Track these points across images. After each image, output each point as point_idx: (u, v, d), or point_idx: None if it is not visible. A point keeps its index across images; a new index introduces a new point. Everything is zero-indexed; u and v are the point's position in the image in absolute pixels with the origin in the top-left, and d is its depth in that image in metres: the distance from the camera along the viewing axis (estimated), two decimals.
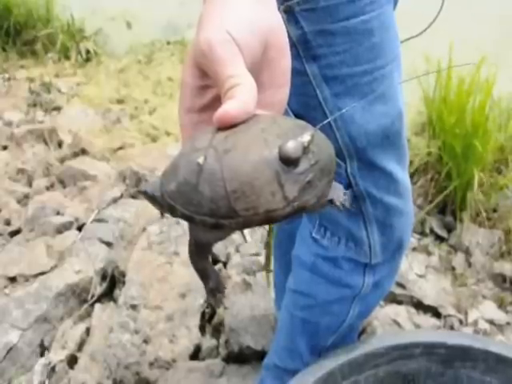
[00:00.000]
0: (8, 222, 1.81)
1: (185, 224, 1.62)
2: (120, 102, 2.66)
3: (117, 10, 3.32)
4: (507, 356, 0.96)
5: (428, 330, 1.37)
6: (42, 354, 1.36)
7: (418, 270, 1.58)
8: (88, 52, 3.06)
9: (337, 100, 0.77)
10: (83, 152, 2.18)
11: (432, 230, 1.75)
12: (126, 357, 1.32)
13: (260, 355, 1.29)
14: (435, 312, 1.48)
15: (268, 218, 0.42)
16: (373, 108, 0.79)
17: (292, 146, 0.42)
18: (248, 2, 0.48)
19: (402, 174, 0.87)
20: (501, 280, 1.59)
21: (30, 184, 2.02)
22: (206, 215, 0.43)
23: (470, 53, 1.66)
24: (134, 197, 1.89)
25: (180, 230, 1.67)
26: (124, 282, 1.52)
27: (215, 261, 1.59)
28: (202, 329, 1.43)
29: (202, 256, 0.55)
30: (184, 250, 1.59)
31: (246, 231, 1.70)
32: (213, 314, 1.46)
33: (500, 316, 1.47)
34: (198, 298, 1.46)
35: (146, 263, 1.56)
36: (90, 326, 1.42)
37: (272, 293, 1.39)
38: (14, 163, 2.11)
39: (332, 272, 0.94)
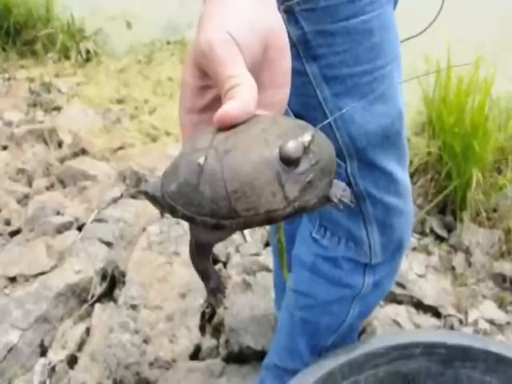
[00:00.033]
0: (8, 222, 1.81)
1: (185, 224, 1.62)
2: (120, 102, 2.66)
3: (117, 9, 3.32)
4: (507, 356, 0.96)
5: (428, 330, 1.37)
6: (41, 354, 1.36)
7: (418, 270, 1.58)
8: (88, 52, 3.06)
9: (337, 100, 0.77)
10: (83, 152, 2.18)
11: (432, 230, 1.75)
12: (126, 357, 1.32)
13: (260, 355, 1.29)
14: (435, 312, 1.48)
15: (269, 218, 0.42)
16: (373, 108, 0.79)
17: (292, 146, 0.42)
18: (248, 2, 0.48)
19: (402, 174, 0.88)
20: (501, 280, 1.59)
21: (30, 184, 2.02)
22: (207, 216, 0.43)
23: (469, 53, 1.66)
24: (134, 197, 1.89)
25: (180, 230, 1.67)
26: (124, 282, 1.52)
27: (215, 261, 1.59)
28: (202, 329, 1.43)
29: (202, 256, 0.55)
30: (184, 250, 1.59)
31: (246, 231, 1.70)
32: (213, 314, 1.46)
33: (500, 316, 1.47)
34: (198, 297, 1.46)
35: (145, 263, 1.56)
36: (90, 325, 1.42)
37: (272, 294, 1.39)
38: (14, 163, 2.11)
39: (332, 272, 0.94)
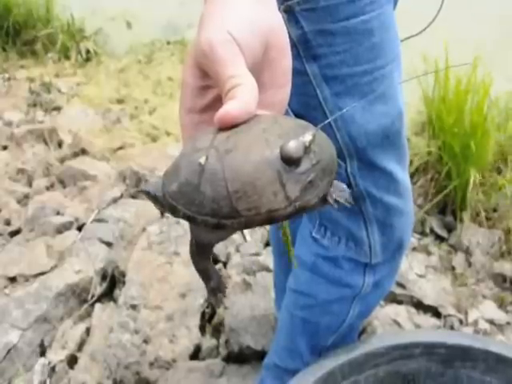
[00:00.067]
0: (8, 222, 1.81)
1: (185, 224, 1.62)
2: (120, 101, 2.66)
3: (117, 10, 3.32)
4: (507, 356, 0.96)
5: (428, 330, 1.37)
6: (41, 354, 1.36)
7: (418, 270, 1.58)
8: (88, 52, 3.06)
9: (337, 100, 0.77)
10: (83, 152, 2.18)
11: (432, 230, 1.75)
12: (126, 357, 1.32)
13: (260, 355, 1.29)
14: (435, 312, 1.48)
15: (270, 218, 0.42)
16: (373, 108, 0.79)
17: (293, 146, 0.42)
18: (248, 2, 0.48)
19: (402, 174, 0.88)
20: (501, 280, 1.59)
21: (30, 184, 2.02)
22: (208, 215, 0.43)
23: (469, 53, 1.66)
24: (134, 197, 1.89)
25: (180, 230, 1.67)
26: (124, 282, 1.52)
27: (215, 261, 1.59)
28: (202, 329, 1.43)
29: (203, 256, 0.55)
30: (184, 250, 1.59)
31: (246, 231, 1.70)
32: (213, 313, 1.46)
33: (500, 316, 1.47)
34: (198, 297, 1.46)
35: (145, 263, 1.56)
36: (90, 326, 1.42)
37: (272, 294, 1.39)
38: (14, 163, 2.11)
39: (332, 272, 0.94)
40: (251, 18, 0.48)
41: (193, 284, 1.48)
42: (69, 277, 1.49)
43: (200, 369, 1.30)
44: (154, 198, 0.47)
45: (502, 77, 1.84)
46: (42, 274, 1.53)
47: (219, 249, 1.63)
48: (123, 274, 1.55)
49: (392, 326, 1.42)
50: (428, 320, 1.46)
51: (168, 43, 3.18)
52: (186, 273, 1.52)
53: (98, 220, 1.74)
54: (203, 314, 1.45)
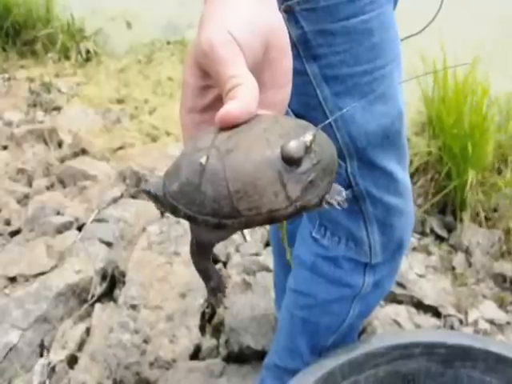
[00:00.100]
0: (8, 222, 1.81)
1: (185, 224, 1.62)
2: (120, 101, 2.66)
3: (117, 10, 3.32)
4: (507, 356, 0.96)
5: (428, 330, 1.37)
6: (41, 354, 1.36)
7: (418, 270, 1.58)
8: (88, 52, 3.06)
9: (337, 100, 0.77)
10: (83, 152, 2.18)
11: (432, 230, 1.75)
12: (126, 357, 1.32)
13: (260, 355, 1.29)
14: (435, 312, 1.48)
15: (271, 218, 0.42)
16: (373, 108, 0.79)
17: (294, 146, 0.42)
18: (249, 2, 0.48)
19: (402, 174, 0.88)
20: (501, 280, 1.59)
21: (30, 184, 2.02)
22: (209, 215, 0.43)
23: (469, 53, 1.66)
24: (134, 197, 1.89)
25: (180, 230, 1.67)
26: (124, 282, 1.52)
27: (215, 261, 1.59)
28: (202, 329, 1.43)
29: (203, 256, 0.55)
30: (184, 250, 1.59)
31: (246, 231, 1.70)
32: (213, 313, 1.46)
33: (500, 316, 1.47)
34: (198, 297, 1.46)
35: (146, 263, 1.56)
36: (90, 325, 1.42)
37: (272, 293, 1.39)
38: (14, 163, 2.11)
39: (332, 272, 0.94)
40: (251, 17, 0.48)
41: (193, 284, 1.48)
42: (69, 277, 1.49)
43: (200, 369, 1.30)
44: (154, 198, 0.47)
45: (501, 77, 1.84)
46: (42, 274, 1.53)
47: (219, 249, 1.63)
48: (123, 274, 1.55)
49: (392, 325, 1.42)
50: (428, 320, 1.46)
51: (168, 43, 3.18)
52: (186, 273, 1.52)
53: (98, 220, 1.74)
54: (203, 314, 1.45)
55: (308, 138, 0.43)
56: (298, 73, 0.65)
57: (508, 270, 1.59)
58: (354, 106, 0.77)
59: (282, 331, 1.08)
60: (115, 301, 1.50)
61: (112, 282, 1.56)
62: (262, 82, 0.48)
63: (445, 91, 1.79)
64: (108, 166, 2.09)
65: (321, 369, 0.94)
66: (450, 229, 1.75)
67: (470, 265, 1.63)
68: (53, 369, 1.31)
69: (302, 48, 0.74)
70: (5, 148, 2.25)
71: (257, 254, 1.63)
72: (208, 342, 1.39)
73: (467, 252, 1.66)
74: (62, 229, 1.71)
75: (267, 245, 1.67)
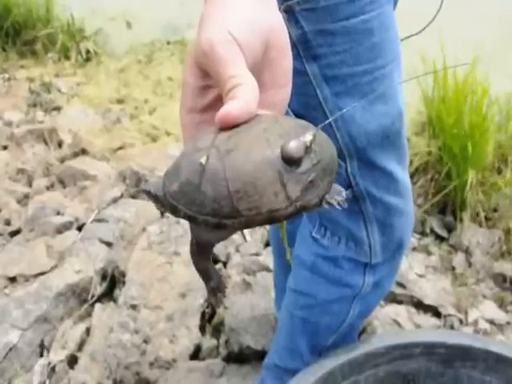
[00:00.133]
0: (8, 222, 1.81)
1: (185, 224, 1.62)
2: (120, 101, 2.66)
3: (117, 10, 3.32)
4: (507, 356, 0.96)
5: (428, 330, 1.37)
6: (41, 354, 1.36)
7: (418, 270, 1.58)
8: (88, 52, 3.06)
9: (337, 100, 0.77)
10: (83, 152, 2.18)
11: (432, 230, 1.75)
12: (126, 357, 1.32)
13: (260, 355, 1.29)
14: (435, 312, 1.48)
15: (271, 218, 0.42)
16: (373, 108, 0.79)
17: (294, 146, 0.42)
18: (249, 2, 0.48)
19: (402, 174, 0.88)
20: (501, 280, 1.59)
21: (30, 184, 2.02)
22: (209, 215, 0.43)
23: (469, 53, 1.66)
24: (134, 197, 1.89)
25: (180, 230, 1.67)
26: (124, 282, 1.52)
27: (215, 261, 1.59)
28: (202, 329, 1.43)
29: (203, 256, 0.55)
30: (184, 250, 1.59)
31: (246, 231, 1.70)
32: (213, 313, 1.46)
33: (500, 316, 1.47)
34: (198, 297, 1.46)
35: (146, 263, 1.56)
36: (90, 325, 1.42)
37: (272, 293, 1.39)
38: (14, 163, 2.11)
39: (332, 272, 0.94)
40: (251, 17, 0.48)
41: (193, 284, 1.48)
42: (69, 277, 1.49)
43: (200, 369, 1.30)
44: (154, 198, 0.47)
45: (501, 77, 1.84)
46: (42, 274, 1.53)
47: (219, 249, 1.63)
48: (123, 274, 1.55)
49: (392, 325, 1.42)
50: (428, 320, 1.46)
51: (168, 43, 3.18)
52: (186, 273, 1.52)
53: (98, 220, 1.74)
54: (203, 314, 1.45)
55: (308, 138, 0.43)
56: (298, 73, 0.65)
57: (508, 269, 1.59)
58: (354, 106, 0.77)
59: (282, 331, 1.08)
60: (115, 301, 1.50)
61: (112, 281, 1.56)
62: (262, 81, 0.48)
63: (445, 91, 1.79)
64: (108, 166, 2.09)
65: (321, 369, 0.94)
66: (450, 229, 1.75)
67: (470, 265, 1.63)
68: (53, 369, 1.31)
69: (302, 48, 0.74)
70: (5, 148, 2.25)
71: (257, 254, 1.63)
72: (208, 342, 1.39)
73: (467, 252, 1.66)
74: (61, 229, 1.71)
75: (267, 245, 1.67)
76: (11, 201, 1.89)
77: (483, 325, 1.43)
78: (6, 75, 2.88)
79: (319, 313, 1.00)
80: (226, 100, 0.45)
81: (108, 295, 1.54)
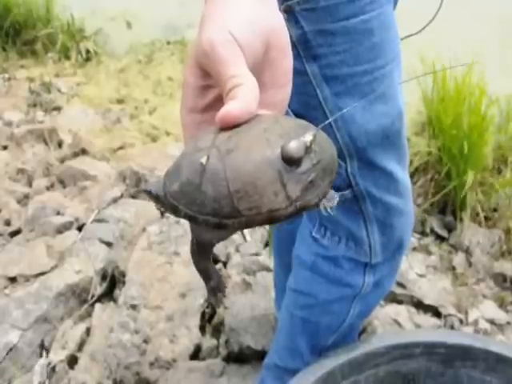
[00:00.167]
0: (8, 222, 1.81)
1: (185, 224, 1.62)
2: (120, 101, 2.66)
3: (117, 10, 3.32)
4: (507, 356, 0.96)
5: (428, 330, 1.37)
6: (41, 354, 1.36)
7: (418, 270, 1.58)
8: (88, 52, 3.06)
9: (337, 100, 0.77)
10: (83, 152, 2.18)
11: (432, 230, 1.75)
12: (126, 357, 1.32)
13: (260, 355, 1.29)
14: (435, 311, 1.48)
15: (271, 218, 0.42)
16: (373, 108, 0.79)
17: (294, 146, 0.42)
18: (249, 2, 0.48)
19: (402, 174, 0.88)
20: (501, 279, 1.59)
21: (30, 184, 2.02)
22: (209, 215, 0.43)
23: (468, 53, 1.66)
24: (134, 197, 1.89)
25: (180, 230, 1.67)
26: (124, 282, 1.52)
27: (215, 261, 1.59)
28: (202, 329, 1.43)
29: (203, 256, 0.55)
30: (184, 250, 1.59)
31: (246, 231, 1.70)
32: (213, 313, 1.46)
33: (500, 316, 1.47)
34: (198, 297, 1.46)
35: (146, 263, 1.56)
36: (91, 325, 1.42)
37: (272, 293, 1.39)
38: (14, 163, 2.11)
39: (332, 271, 0.94)
40: (252, 17, 0.48)
41: (193, 284, 1.48)
42: (69, 277, 1.49)
43: (200, 369, 1.30)
44: (155, 198, 0.47)
45: (501, 77, 1.84)
46: (42, 274, 1.53)
47: (219, 249, 1.63)
48: (123, 274, 1.55)
49: (392, 325, 1.42)
50: (428, 320, 1.46)
51: (168, 43, 3.18)
52: (185, 273, 1.52)
53: (98, 220, 1.74)
54: (203, 314, 1.45)
55: (308, 138, 0.43)
56: (298, 73, 0.65)
57: (508, 269, 1.59)
58: (355, 106, 0.77)
59: (282, 331, 1.08)
60: (115, 301, 1.50)
61: (112, 282, 1.56)
62: (262, 81, 0.48)
63: (444, 91, 1.79)
64: (108, 166, 2.09)
65: (321, 369, 0.94)
66: (450, 229, 1.75)
67: (470, 264, 1.63)
68: (53, 369, 1.31)
69: (302, 48, 0.74)
70: (5, 148, 2.25)
71: (257, 254, 1.63)
72: (208, 342, 1.39)
73: (467, 252, 1.66)
74: (62, 229, 1.71)
75: (267, 245, 1.67)
76: (11, 201, 1.89)
77: (483, 325, 1.43)
78: (6, 75, 2.88)
79: (319, 313, 1.00)
80: (227, 100, 0.45)
81: (108, 295, 1.54)
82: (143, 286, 1.49)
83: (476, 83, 1.72)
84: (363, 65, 0.75)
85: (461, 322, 1.45)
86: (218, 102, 0.48)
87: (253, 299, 1.46)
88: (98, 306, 1.48)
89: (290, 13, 0.71)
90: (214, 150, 0.43)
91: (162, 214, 1.76)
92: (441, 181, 1.76)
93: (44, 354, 1.36)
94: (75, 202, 1.87)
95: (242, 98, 0.44)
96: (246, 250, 1.64)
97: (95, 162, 2.10)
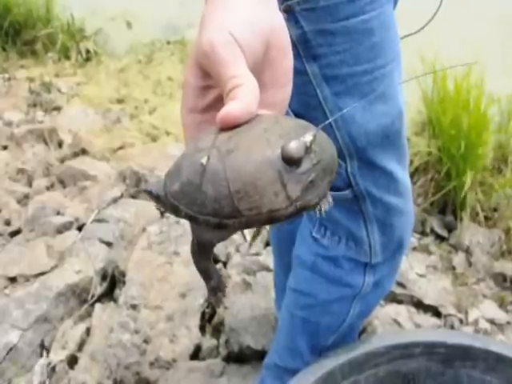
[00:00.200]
0: (8, 222, 1.81)
1: (185, 224, 1.62)
2: (120, 101, 2.66)
3: (117, 9, 3.32)
4: (507, 355, 0.96)
5: (428, 330, 1.37)
6: (42, 354, 1.36)
7: (418, 270, 1.58)
8: (88, 52, 3.06)
9: (337, 99, 0.77)
10: (83, 152, 2.18)
11: (432, 230, 1.75)
12: (126, 357, 1.32)
13: (260, 355, 1.29)
14: (435, 311, 1.48)
15: (271, 218, 0.42)
16: (373, 107, 0.79)
17: (294, 146, 0.42)
18: (249, 2, 0.49)
19: (402, 174, 0.88)
20: (501, 279, 1.59)
21: (30, 184, 2.02)
22: (210, 215, 0.43)
23: (468, 52, 1.66)
24: (134, 197, 1.89)
25: (180, 230, 1.67)
26: (124, 282, 1.52)
27: (215, 261, 1.59)
28: (202, 329, 1.43)
29: (204, 256, 0.55)
30: (184, 250, 1.59)
31: (246, 231, 1.70)
32: (213, 313, 1.46)
33: (500, 315, 1.47)
34: (198, 297, 1.46)
35: (146, 263, 1.56)
36: (91, 325, 1.42)
37: (272, 293, 1.39)
38: (14, 163, 2.11)
39: (332, 271, 0.94)
40: (252, 18, 0.48)
41: (193, 284, 1.48)
42: (69, 277, 1.49)
43: (200, 369, 1.30)
44: (156, 198, 0.47)
45: (501, 77, 1.84)
46: (42, 274, 1.53)
47: (219, 249, 1.63)
48: (123, 274, 1.55)
49: (392, 325, 1.42)
50: (428, 319, 1.46)
51: (168, 43, 3.18)
52: (185, 273, 1.52)
53: (98, 220, 1.74)
54: (203, 314, 1.45)
55: (308, 138, 0.43)
56: (298, 72, 0.65)
57: (508, 269, 1.59)
58: (355, 107, 0.77)
59: (282, 331, 1.08)
60: (115, 301, 1.50)
61: (112, 281, 1.56)
62: (262, 81, 0.48)
63: (444, 92, 1.79)
64: (108, 166, 2.09)
65: (321, 368, 0.94)
66: (450, 228, 1.75)
67: (470, 264, 1.63)
68: (53, 369, 1.31)
69: (302, 48, 0.74)
70: (5, 148, 2.25)
71: (257, 254, 1.63)
72: (208, 342, 1.39)
73: (467, 252, 1.66)
74: (62, 229, 1.71)
75: (267, 245, 1.67)
76: (11, 201, 1.89)
77: (483, 324, 1.43)
78: (6, 75, 2.88)
79: (319, 312, 1.00)
80: (227, 100, 0.45)
81: (108, 295, 1.54)
82: (143, 285, 1.49)
83: (476, 83, 1.72)
84: (363, 64, 0.75)
85: (461, 321, 1.45)
86: (219, 102, 0.49)
87: (253, 299, 1.46)
88: (98, 306, 1.48)
89: (289, 13, 0.71)
90: (214, 150, 0.43)
91: (162, 213, 1.76)
92: (441, 181, 1.76)
93: (44, 354, 1.36)
94: (75, 202, 1.87)
95: (243, 99, 0.44)
96: (246, 250, 1.64)
97: (95, 162, 2.10)
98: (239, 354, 1.34)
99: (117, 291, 1.53)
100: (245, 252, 1.63)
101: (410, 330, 1.40)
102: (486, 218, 1.71)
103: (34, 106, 2.61)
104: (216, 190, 0.42)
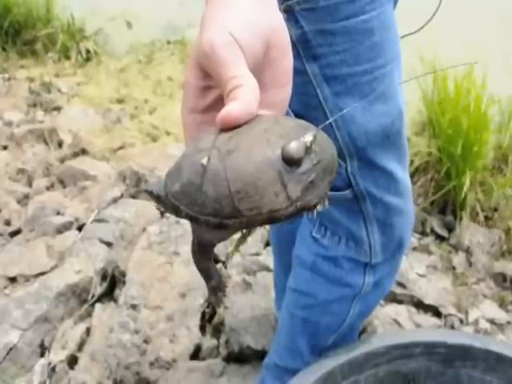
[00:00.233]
0: (8, 222, 1.81)
1: (185, 224, 1.62)
2: (120, 101, 2.66)
3: (117, 9, 3.32)
4: (508, 355, 0.96)
5: (428, 330, 1.37)
6: (42, 354, 1.36)
7: (418, 270, 1.58)
8: (88, 52, 3.06)
9: (337, 99, 0.77)
10: (83, 152, 2.18)
11: (432, 230, 1.75)
12: (126, 357, 1.32)
13: (260, 355, 1.29)
14: (436, 311, 1.48)
15: (271, 218, 0.42)
16: (373, 107, 0.79)
17: (294, 147, 0.42)
18: (249, 2, 0.49)
19: (402, 174, 0.88)
20: (501, 279, 1.59)
21: (30, 184, 2.02)
22: (210, 215, 0.43)
23: (468, 52, 1.66)
24: (134, 197, 1.89)
25: (180, 230, 1.67)
26: (124, 282, 1.52)
27: (215, 260, 1.59)
28: (203, 329, 1.43)
29: (204, 256, 0.55)
30: (184, 250, 1.59)
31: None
32: (213, 313, 1.46)
33: (500, 315, 1.47)
34: (198, 297, 1.46)
35: (146, 263, 1.57)
36: (91, 325, 1.42)
37: (272, 293, 1.39)
38: (14, 163, 2.11)
39: (332, 271, 0.94)
40: (252, 18, 0.48)
41: (193, 284, 1.48)
42: (69, 277, 1.49)
43: (200, 369, 1.30)
44: (156, 198, 0.48)
45: (501, 77, 1.84)
46: (42, 274, 1.53)
47: (219, 249, 1.63)
48: (123, 274, 1.55)
49: (392, 325, 1.42)
50: (428, 319, 1.46)
51: (168, 43, 3.18)
52: (186, 273, 1.52)
53: (98, 220, 1.74)
54: (203, 314, 1.45)
55: (308, 138, 0.43)
56: (298, 72, 0.65)
57: (508, 269, 1.59)
58: (355, 107, 0.77)
59: (283, 331, 1.08)
60: (115, 301, 1.50)
61: (112, 281, 1.56)
62: (262, 81, 0.48)
63: (444, 92, 1.79)
64: (108, 166, 2.09)
65: (321, 368, 0.94)
66: (450, 228, 1.75)
67: (470, 264, 1.63)
68: (53, 369, 1.31)
69: (302, 48, 0.74)
70: (5, 148, 2.25)
71: (257, 254, 1.63)
72: (208, 342, 1.39)
73: (467, 251, 1.66)
74: (62, 229, 1.71)
75: (267, 245, 1.67)
76: (11, 201, 1.89)
77: (484, 324, 1.43)
78: (6, 75, 2.88)
79: (319, 312, 1.00)
80: (227, 101, 0.45)
81: (108, 295, 1.54)
82: (143, 285, 1.49)
83: (476, 83, 1.72)
84: (363, 64, 0.75)
85: (461, 321, 1.45)
86: (219, 102, 0.49)
87: (253, 299, 1.46)
88: (98, 306, 1.48)
89: (289, 13, 0.71)
90: (214, 150, 0.43)
91: (162, 214, 1.76)
92: (441, 181, 1.76)
93: (44, 354, 1.36)
94: (75, 202, 1.87)
95: (243, 99, 0.45)
96: (246, 250, 1.64)
97: (95, 162, 2.10)
98: (239, 354, 1.34)
99: (117, 291, 1.53)
100: (246, 252, 1.63)
101: (410, 330, 1.40)
102: (486, 217, 1.71)
103: (34, 106, 2.61)
104: (216, 191, 0.42)
